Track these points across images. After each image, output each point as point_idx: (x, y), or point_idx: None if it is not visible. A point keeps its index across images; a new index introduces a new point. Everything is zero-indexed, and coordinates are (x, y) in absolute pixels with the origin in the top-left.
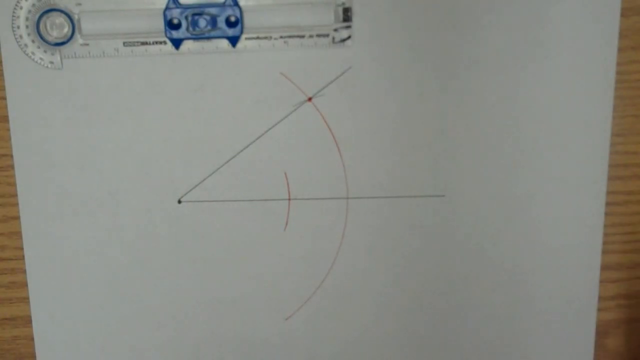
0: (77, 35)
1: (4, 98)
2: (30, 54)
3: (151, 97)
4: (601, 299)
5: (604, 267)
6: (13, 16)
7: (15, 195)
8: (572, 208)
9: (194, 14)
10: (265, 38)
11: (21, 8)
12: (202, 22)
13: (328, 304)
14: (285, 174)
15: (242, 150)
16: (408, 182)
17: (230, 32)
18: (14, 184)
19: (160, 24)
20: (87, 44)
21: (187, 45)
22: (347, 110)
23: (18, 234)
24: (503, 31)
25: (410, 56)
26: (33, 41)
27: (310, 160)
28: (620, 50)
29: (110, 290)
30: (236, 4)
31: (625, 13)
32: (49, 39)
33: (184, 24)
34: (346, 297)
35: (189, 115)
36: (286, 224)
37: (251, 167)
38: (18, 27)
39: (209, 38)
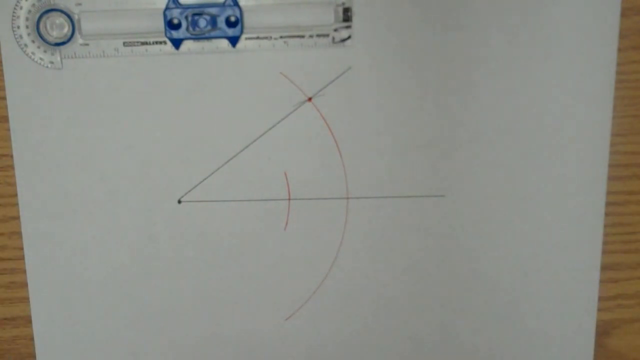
0: (77, 35)
1: (4, 98)
2: (30, 54)
3: (151, 97)
4: (601, 299)
5: (604, 267)
6: (13, 16)
7: (15, 195)
8: (572, 208)
9: (194, 14)
10: (265, 38)
11: (21, 8)
12: (202, 22)
13: (328, 304)
14: (285, 174)
15: (242, 150)
16: (408, 182)
17: (230, 32)
18: (14, 184)
19: (160, 24)
20: (87, 44)
21: (187, 45)
22: (347, 110)
23: (18, 234)
24: (503, 31)
25: (410, 56)
26: (33, 41)
27: (310, 160)
28: (620, 50)
29: (110, 290)
30: (236, 4)
31: (625, 13)
32: (49, 39)
33: (184, 24)
34: (346, 297)
35: (189, 115)
36: (286, 224)
37: (251, 167)
38: (18, 27)
39: (209, 38)
